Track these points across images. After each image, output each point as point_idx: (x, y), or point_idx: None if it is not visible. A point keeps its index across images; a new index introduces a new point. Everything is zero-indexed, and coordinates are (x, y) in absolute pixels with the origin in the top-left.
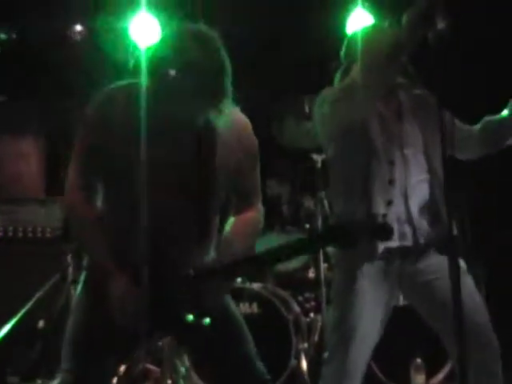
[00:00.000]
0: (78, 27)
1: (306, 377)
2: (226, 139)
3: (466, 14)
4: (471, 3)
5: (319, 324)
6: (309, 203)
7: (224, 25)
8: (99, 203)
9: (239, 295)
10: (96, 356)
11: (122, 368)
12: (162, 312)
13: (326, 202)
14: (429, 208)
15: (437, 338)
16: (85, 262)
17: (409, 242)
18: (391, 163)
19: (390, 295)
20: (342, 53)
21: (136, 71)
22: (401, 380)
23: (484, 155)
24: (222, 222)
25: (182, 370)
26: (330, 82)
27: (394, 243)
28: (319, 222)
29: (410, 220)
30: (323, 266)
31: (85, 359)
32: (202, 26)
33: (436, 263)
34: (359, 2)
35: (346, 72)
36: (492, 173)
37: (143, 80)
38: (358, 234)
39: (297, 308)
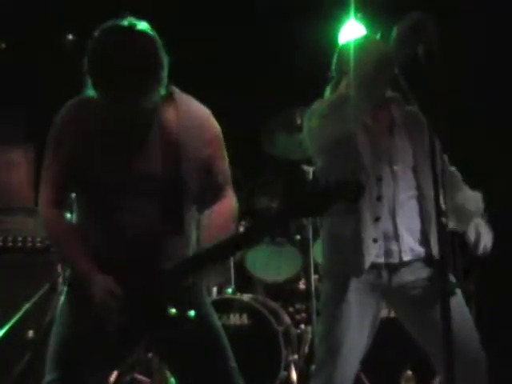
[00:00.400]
0: (70, 36)
1: None
2: (189, 135)
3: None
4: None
5: (309, 335)
6: None
7: (217, 36)
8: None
9: (229, 306)
10: (80, 366)
11: (112, 378)
12: (145, 309)
13: None
14: (417, 225)
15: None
16: (67, 274)
17: (395, 260)
18: (379, 179)
19: (376, 308)
20: (333, 64)
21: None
22: None
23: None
24: (199, 212)
25: (172, 380)
26: (321, 95)
27: (379, 259)
28: (310, 233)
29: (396, 237)
30: (314, 277)
31: (69, 369)
32: (129, 23)
33: (423, 278)
34: (352, 14)
35: (337, 85)
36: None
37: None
38: (332, 195)
39: (287, 319)
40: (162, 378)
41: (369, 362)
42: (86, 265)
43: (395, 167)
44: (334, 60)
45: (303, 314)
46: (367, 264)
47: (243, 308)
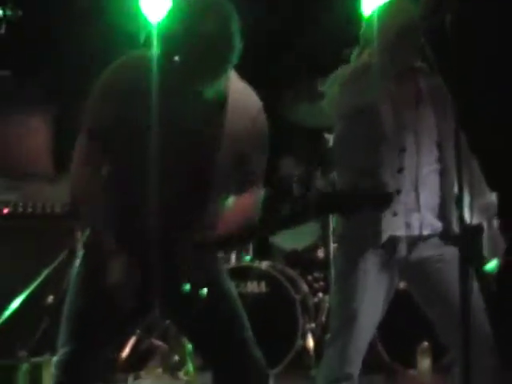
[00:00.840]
0: None
1: (313, 357)
2: (240, 118)
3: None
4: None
5: (327, 304)
6: (320, 184)
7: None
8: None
9: (247, 274)
10: (93, 337)
11: (130, 343)
12: (160, 283)
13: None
14: (436, 200)
15: None
16: (84, 239)
17: (415, 233)
18: (402, 149)
19: (392, 280)
20: (360, 33)
21: (147, 46)
22: (406, 362)
23: None
24: (224, 197)
25: (189, 346)
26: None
27: (399, 232)
28: None
29: (417, 210)
30: (333, 245)
31: (82, 335)
32: None
33: (440, 254)
34: None
35: (361, 53)
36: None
37: (154, 53)
38: (360, 202)
39: (305, 287)
40: (178, 344)
41: (386, 333)
42: (109, 234)
43: (419, 138)
44: (362, 28)
45: (321, 283)
46: (385, 238)
47: (261, 276)
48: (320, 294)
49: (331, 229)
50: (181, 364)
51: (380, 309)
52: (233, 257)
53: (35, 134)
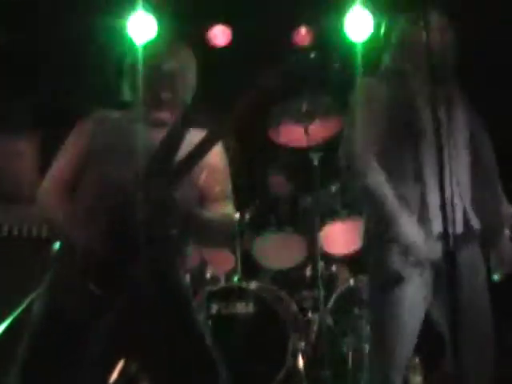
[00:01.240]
0: None
1: (303, 376)
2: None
3: None
4: None
5: (316, 323)
6: (306, 201)
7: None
8: None
9: (236, 295)
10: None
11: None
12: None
13: (322, 200)
14: (467, 195)
15: (435, 337)
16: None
17: (458, 229)
18: (440, 148)
19: (427, 288)
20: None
21: (132, 68)
22: None
23: None
24: None
25: None
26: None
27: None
28: (316, 221)
29: (453, 206)
30: (321, 263)
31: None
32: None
33: (464, 252)
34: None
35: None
36: None
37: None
38: None
39: (294, 306)
40: None
41: None
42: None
43: (454, 138)
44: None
45: (310, 301)
46: (436, 232)
47: (249, 296)
48: (309, 313)
49: (318, 247)
50: None
51: (422, 316)
52: (222, 278)
53: (22, 157)
